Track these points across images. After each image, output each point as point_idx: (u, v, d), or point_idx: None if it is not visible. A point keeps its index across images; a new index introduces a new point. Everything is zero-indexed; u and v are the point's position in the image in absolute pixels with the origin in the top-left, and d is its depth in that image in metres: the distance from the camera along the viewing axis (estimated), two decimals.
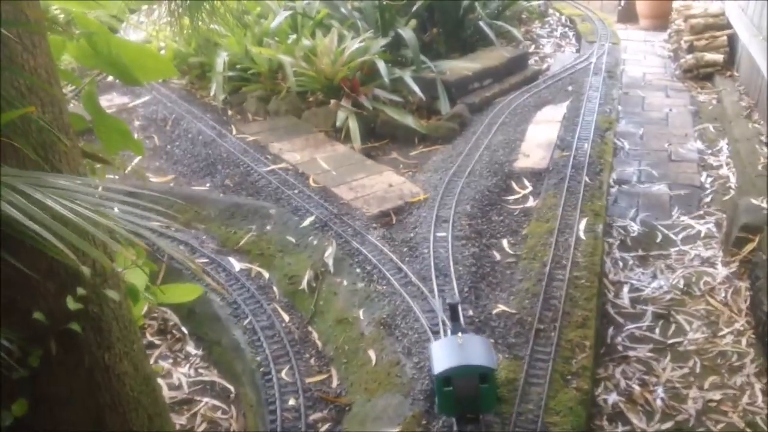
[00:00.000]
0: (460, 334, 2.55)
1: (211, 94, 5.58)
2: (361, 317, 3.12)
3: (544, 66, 6.60)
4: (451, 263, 3.31)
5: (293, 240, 3.74)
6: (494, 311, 3.05)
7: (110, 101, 5.67)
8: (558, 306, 3.05)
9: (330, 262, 3.48)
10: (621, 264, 4.23)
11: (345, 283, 3.35)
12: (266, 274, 3.60)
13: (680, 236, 4.48)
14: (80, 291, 1.91)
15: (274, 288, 3.50)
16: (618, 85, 5.95)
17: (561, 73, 6.11)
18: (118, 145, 2.78)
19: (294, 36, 5.46)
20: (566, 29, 7.92)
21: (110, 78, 5.98)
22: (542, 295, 3.11)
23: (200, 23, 5.40)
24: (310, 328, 3.23)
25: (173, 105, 5.46)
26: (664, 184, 5.14)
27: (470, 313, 3.01)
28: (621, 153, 5.68)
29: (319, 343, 3.13)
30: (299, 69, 5.07)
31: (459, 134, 5.01)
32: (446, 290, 3.15)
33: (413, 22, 6.00)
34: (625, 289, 4.00)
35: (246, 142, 4.85)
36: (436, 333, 2.88)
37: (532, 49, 7.17)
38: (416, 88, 5.09)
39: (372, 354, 2.90)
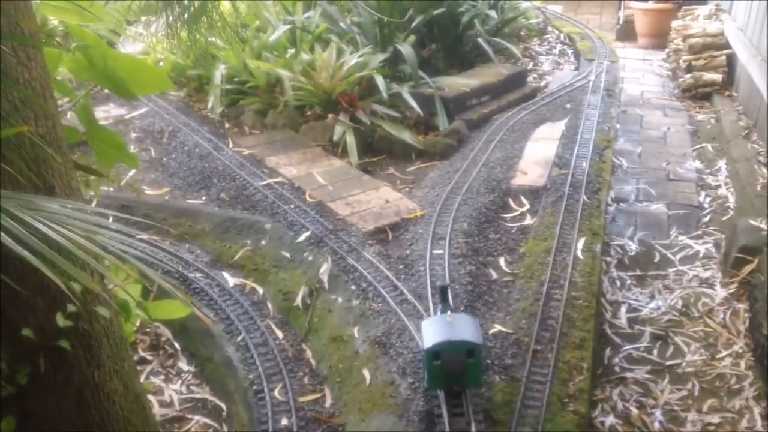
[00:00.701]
0: (449, 312, 2.73)
1: (209, 106, 5.56)
2: (356, 335, 3.08)
3: (543, 83, 6.60)
4: (448, 282, 3.27)
5: (288, 255, 3.70)
6: (491, 331, 3.01)
7: (107, 113, 5.65)
8: (555, 327, 3.02)
9: (325, 278, 3.44)
10: (619, 283, 4.21)
11: (340, 300, 3.31)
12: (260, 290, 3.56)
13: (678, 256, 4.46)
14: (70, 308, 1.87)
15: (268, 304, 3.46)
16: (616, 104, 5.95)
17: (559, 91, 6.11)
18: (113, 157, 2.75)
19: (292, 50, 5.45)
20: (565, 47, 7.94)
21: (107, 90, 5.98)
22: (539, 315, 3.08)
23: (198, 36, 5.41)
24: (304, 346, 3.19)
25: (170, 117, 5.44)
26: (663, 203, 5.13)
27: None
28: (619, 171, 5.67)
29: (313, 362, 3.09)
30: (297, 83, 5.05)
31: (456, 150, 4.99)
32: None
33: (412, 38, 6.00)
34: (623, 309, 3.97)
35: (242, 155, 4.82)
36: None
37: (530, 66, 7.18)
38: (414, 104, 5.07)
39: (366, 373, 2.86)
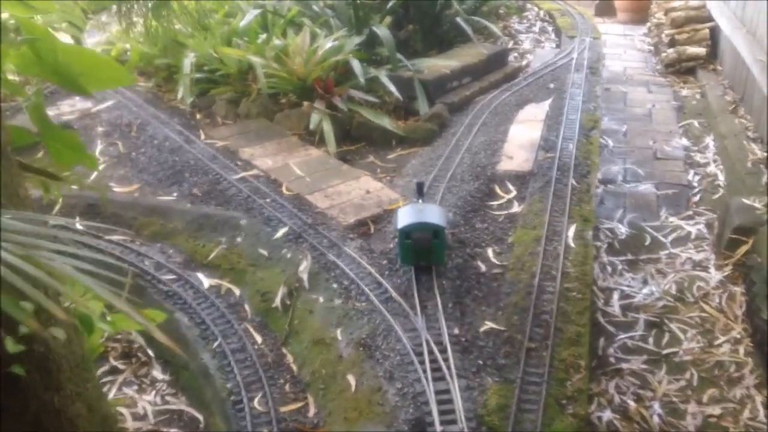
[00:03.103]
0: (420, 200, 3.35)
1: (179, 97, 5.32)
2: (339, 337, 2.91)
3: (524, 62, 6.42)
4: (434, 277, 3.10)
5: (265, 253, 3.52)
6: (482, 329, 2.85)
7: (72, 107, 5.39)
8: (549, 321, 2.87)
9: (305, 277, 3.26)
10: (610, 269, 4.07)
11: (321, 299, 3.14)
12: (237, 291, 3.38)
13: (670, 238, 4.34)
14: (22, 329, 1.69)
15: (246, 306, 3.28)
16: (601, 81, 5.78)
17: (542, 70, 5.94)
18: (70, 159, 2.53)
19: (264, 36, 5.21)
20: (545, 24, 7.76)
21: (58, 86, 5.72)
22: (532, 309, 2.93)
23: (165, 24, 5.17)
24: (284, 350, 3.01)
25: (138, 109, 5.20)
26: (651, 183, 5.00)
27: (456, 331, 2.81)
28: (605, 151, 5.52)
29: (294, 367, 2.91)
30: (270, 70, 4.83)
31: (438, 135, 4.81)
32: (429, 306, 2.95)
33: (388, 20, 5.79)
34: (615, 296, 3.84)
35: (215, 147, 4.61)
36: (419, 355, 2.68)
37: (510, 45, 7.00)
38: (393, 88, 4.88)
39: (351, 379, 2.69)
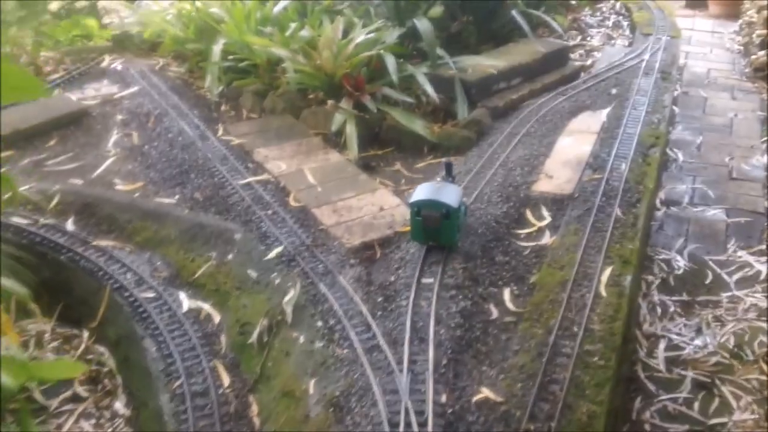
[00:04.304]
0: (438, 179, 3.37)
1: (206, 86, 5.00)
2: (311, 391, 2.50)
3: (589, 62, 5.79)
4: (432, 323, 2.65)
5: (254, 275, 3.14)
6: (475, 398, 2.38)
7: (97, 91, 5.17)
8: (558, 395, 2.37)
9: (289, 310, 2.87)
10: (659, 310, 3.54)
11: (301, 339, 2.74)
12: (216, 318, 3.02)
13: (735, 277, 3.75)
14: None
15: (222, 338, 2.92)
16: (671, 89, 5.11)
17: (606, 72, 5.30)
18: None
19: (294, 25, 4.80)
20: (620, 18, 7.04)
21: (105, 63, 5.49)
22: (540, 376, 2.43)
23: (198, 4, 4.84)
24: (251, 398, 2.63)
25: (161, 98, 4.91)
26: (721, 208, 4.38)
27: (443, 399, 2.36)
28: (673, 166, 4.91)
29: (257, 421, 2.53)
30: (296, 64, 4.43)
31: (475, 144, 4.31)
32: (419, 361, 2.50)
33: (438, 10, 5.28)
34: (662, 345, 3.32)
35: (229, 146, 4.26)
36: (394, 426, 2.25)
37: (578, 40, 6.36)
38: (429, 88, 4.39)
39: None
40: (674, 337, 3.37)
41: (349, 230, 3.39)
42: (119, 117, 4.74)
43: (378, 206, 3.59)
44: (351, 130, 4.13)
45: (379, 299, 2.88)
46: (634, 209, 3.49)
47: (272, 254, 3.22)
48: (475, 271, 3.04)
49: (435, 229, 3.01)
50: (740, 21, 7.31)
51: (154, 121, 4.61)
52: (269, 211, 3.53)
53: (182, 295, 3.16)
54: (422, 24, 4.59)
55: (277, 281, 3.06)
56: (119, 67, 5.51)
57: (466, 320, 2.74)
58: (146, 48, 5.78)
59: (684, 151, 5.11)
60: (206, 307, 3.09)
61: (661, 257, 3.95)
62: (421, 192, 3.05)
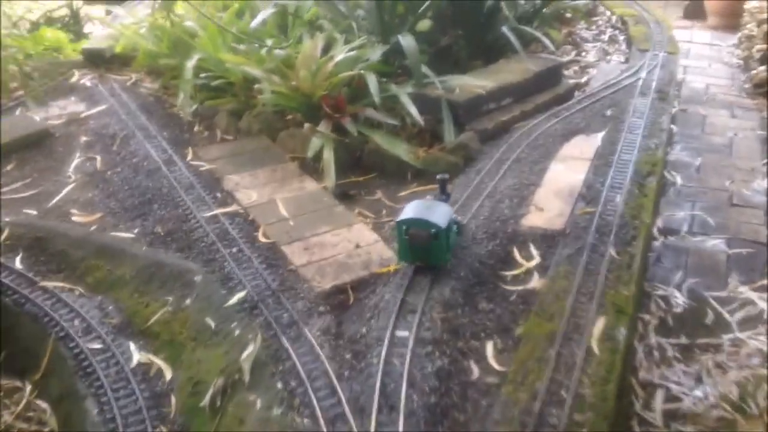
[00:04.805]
0: (428, 197, 3.23)
1: (178, 104, 4.72)
2: None
3: (584, 79, 5.51)
4: (404, 388, 2.37)
5: (213, 325, 2.86)
6: None
7: (63, 109, 4.88)
8: None
9: (247, 367, 2.58)
10: (657, 355, 3.25)
11: (258, 404, 2.44)
12: (168, 374, 2.73)
13: (737, 317, 3.47)
14: None
15: (172, 399, 2.63)
16: (669, 110, 4.83)
17: (601, 91, 5.02)
18: None
19: (270, 41, 4.51)
20: (616, 32, 6.76)
21: (74, 79, 5.20)
22: None
23: (172, 17, 4.57)
24: None
25: (129, 117, 4.62)
26: (722, 238, 4.09)
27: None
28: (671, 190, 4.61)
29: None
30: (270, 84, 4.15)
31: (461, 171, 4.03)
32: None
33: (426, 23, 5.01)
34: (659, 396, 3.03)
35: (198, 172, 3.98)
36: None
37: (572, 55, 6.08)
38: (413, 110, 4.12)
39: None
40: (673, 386, 3.09)
41: (321, 271, 3.11)
42: (84, 139, 4.46)
43: (354, 243, 3.31)
44: (329, 156, 3.85)
45: (348, 355, 2.60)
46: (630, 248, 3.21)
47: (234, 300, 2.94)
48: (455, 322, 2.76)
49: (423, 249, 2.90)
50: (739, 34, 7.05)
51: (119, 144, 4.33)
52: (234, 249, 3.25)
53: (132, 346, 2.87)
54: (407, 41, 4.32)
55: (237, 332, 2.77)
56: (88, 83, 5.22)
57: (442, 383, 2.46)
58: (119, 63, 5.50)
59: (683, 174, 4.83)
60: (158, 361, 2.80)
61: (658, 293, 3.66)
62: (410, 210, 2.94)
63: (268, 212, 3.57)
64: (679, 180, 4.74)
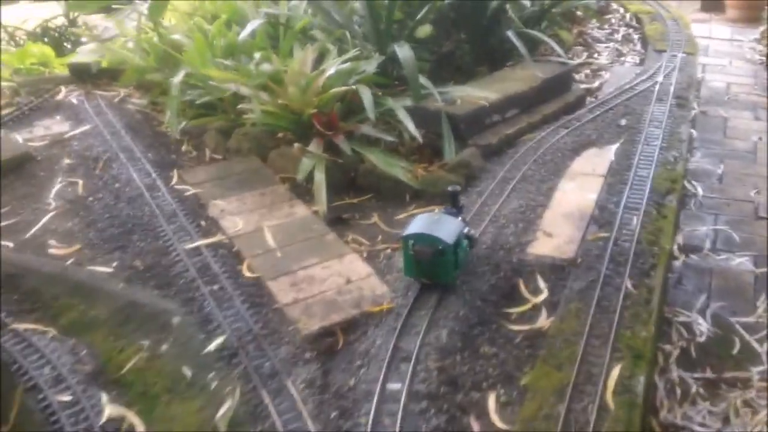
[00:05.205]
0: (436, 210, 3.06)
1: (165, 122, 4.49)
2: None
3: (596, 83, 5.21)
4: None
5: (189, 374, 2.61)
6: None
7: (47, 129, 4.65)
8: None
9: (222, 428, 2.33)
10: (679, 391, 2.97)
11: None
12: (140, 430, 2.49)
13: (766, 346, 3.19)
14: None
15: None
16: (689, 118, 4.52)
17: (614, 98, 4.72)
18: None
19: (258, 55, 4.26)
20: (630, 31, 6.44)
21: (61, 96, 4.98)
22: None
23: (159, 29, 4.33)
24: None
25: (114, 138, 4.38)
26: (748, 255, 3.82)
27: None
28: (692, 203, 4.33)
29: None
30: (258, 101, 3.89)
31: (463, 191, 3.74)
32: None
33: (427, 29, 4.74)
34: None
35: (182, 197, 3.73)
36: None
37: (584, 57, 5.78)
38: (411, 126, 3.85)
39: None
40: (697, 428, 2.81)
41: (308, 310, 2.85)
42: (66, 161, 4.23)
43: (345, 277, 3.05)
44: (320, 179, 3.59)
45: (333, 413, 2.34)
46: (648, 279, 2.92)
47: (212, 346, 2.69)
48: (454, 371, 2.49)
49: (429, 265, 2.76)
50: (762, 28, 6.72)
51: (102, 167, 4.09)
52: (216, 287, 3.00)
53: (104, 398, 2.62)
54: (403, 51, 4.04)
55: (215, 384, 2.53)
56: (74, 101, 4.99)
57: None
58: (108, 77, 5.27)
59: (704, 184, 4.55)
60: (130, 415, 2.55)
61: (680, 320, 3.39)
62: (417, 224, 2.82)
63: (254, 242, 3.32)
64: (700, 191, 4.46)
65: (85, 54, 5.07)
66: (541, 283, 2.96)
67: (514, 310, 2.83)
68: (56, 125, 4.69)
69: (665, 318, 3.35)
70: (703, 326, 3.34)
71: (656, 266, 3.00)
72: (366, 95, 3.83)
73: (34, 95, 5.10)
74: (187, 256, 3.22)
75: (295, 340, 2.71)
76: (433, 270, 2.77)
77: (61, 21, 7.65)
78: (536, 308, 2.84)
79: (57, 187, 4.00)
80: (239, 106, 3.81)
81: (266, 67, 3.96)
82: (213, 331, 2.77)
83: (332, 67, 3.93)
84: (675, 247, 3.84)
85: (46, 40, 6.85)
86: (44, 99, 5.03)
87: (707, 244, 3.94)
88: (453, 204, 3.01)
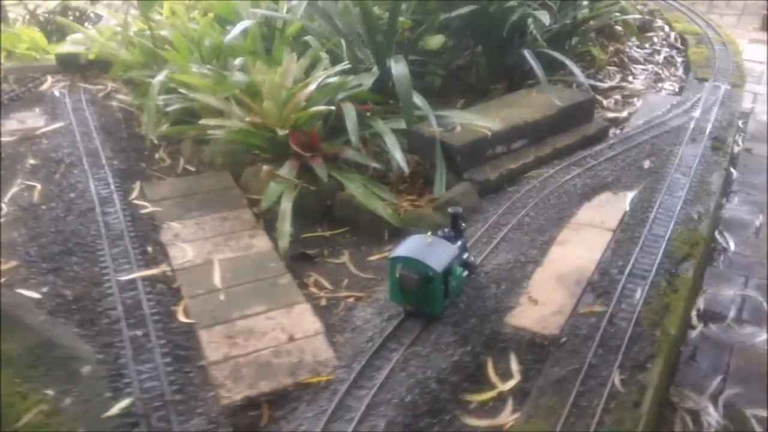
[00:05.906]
0: (429, 233, 2.70)
1: (142, 126, 4.13)
2: None
3: (624, 113, 4.66)
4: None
5: None
6: None
7: (21, 124, 4.34)
8: None
9: None
10: None
11: None
12: None
13: None
14: None
15: None
16: (724, 164, 3.97)
17: (642, 134, 4.19)
18: None
19: (237, 61, 3.84)
20: (673, 53, 5.83)
21: (45, 86, 4.67)
22: None
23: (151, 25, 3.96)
24: None
25: (84, 138, 4.05)
26: None
27: None
28: (721, 259, 3.79)
29: None
30: (227, 115, 3.49)
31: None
32: None
33: (438, 39, 4.27)
34: None
35: (137, 215, 3.37)
36: None
37: (617, 80, 5.22)
38: (399, 156, 3.41)
39: None
40: None
41: (236, 373, 2.45)
42: (30, 162, 3.90)
43: (288, 333, 2.64)
44: (285, 209, 3.18)
45: None
46: (642, 375, 2.42)
47: (115, 409, 2.31)
48: None
49: (415, 293, 2.56)
50: None
51: (63, 172, 3.76)
52: (140, 332, 2.62)
53: None
54: (398, 68, 3.58)
55: None
56: (57, 93, 4.67)
57: None
58: (98, 68, 4.94)
59: (737, 236, 3.99)
60: None
61: (687, 405, 2.88)
62: (407, 246, 2.63)
63: (198, 279, 2.93)
64: (732, 245, 3.91)
65: (73, 44, 4.73)
66: (514, 365, 2.50)
67: (475, 398, 2.38)
68: (31, 119, 4.38)
69: (669, 401, 2.86)
70: (712, 417, 2.83)
71: (654, 357, 2.50)
72: (350, 114, 3.40)
73: (19, 84, 4.80)
74: (120, 289, 2.85)
75: (212, 411, 2.31)
76: (419, 298, 2.58)
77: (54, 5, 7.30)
78: (502, 397, 2.38)
79: (14, 190, 3.68)
80: (201, 121, 3.41)
81: (239, 77, 3.54)
82: (122, 390, 2.39)
83: (317, 80, 3.50)
84: (694, 313, 3.33)
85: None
86: (27, 89, 4.73)
87: (732, 313, 3.41)
88: (453, 226, 2.78)
